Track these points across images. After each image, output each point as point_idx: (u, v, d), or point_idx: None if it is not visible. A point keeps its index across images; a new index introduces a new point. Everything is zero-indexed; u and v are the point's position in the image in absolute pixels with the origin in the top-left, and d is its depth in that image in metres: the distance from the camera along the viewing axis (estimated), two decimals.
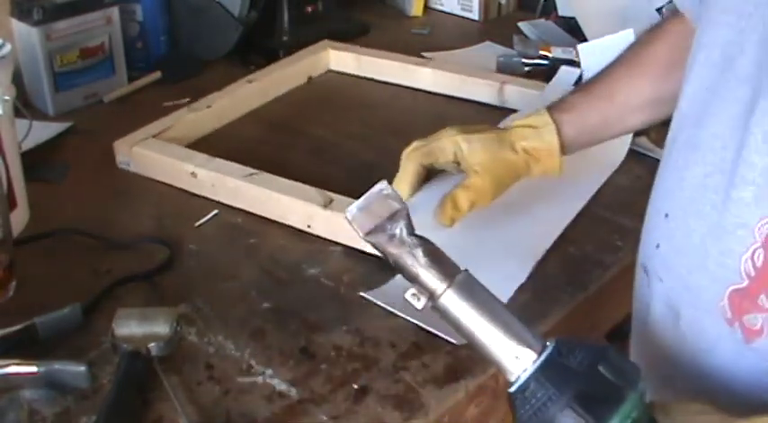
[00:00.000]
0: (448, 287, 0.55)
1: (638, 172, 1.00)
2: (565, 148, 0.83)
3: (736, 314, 0.60)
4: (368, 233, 0.57)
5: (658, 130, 1.04)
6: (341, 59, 1.31)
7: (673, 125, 0.70)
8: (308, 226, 0.89)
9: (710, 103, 0.63)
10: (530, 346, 0.53)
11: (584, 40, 1.27)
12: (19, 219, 0.88)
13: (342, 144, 1.10)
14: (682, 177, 0.65)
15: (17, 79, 1.00)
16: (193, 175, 0.95)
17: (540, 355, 0.53)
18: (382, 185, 0.58)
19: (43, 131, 1.06)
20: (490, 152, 0.81)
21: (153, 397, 0.68)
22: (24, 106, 0.98)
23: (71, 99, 1.19)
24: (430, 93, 1.24)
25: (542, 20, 1.53)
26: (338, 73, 1.31)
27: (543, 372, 0.51)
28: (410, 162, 0.83)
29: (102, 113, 1.19)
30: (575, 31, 1.39)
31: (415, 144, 0.84)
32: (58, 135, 1.09)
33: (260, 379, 0.70)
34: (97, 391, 0.68)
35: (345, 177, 0.99)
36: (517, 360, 0.53)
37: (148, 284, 0.82)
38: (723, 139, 0.61)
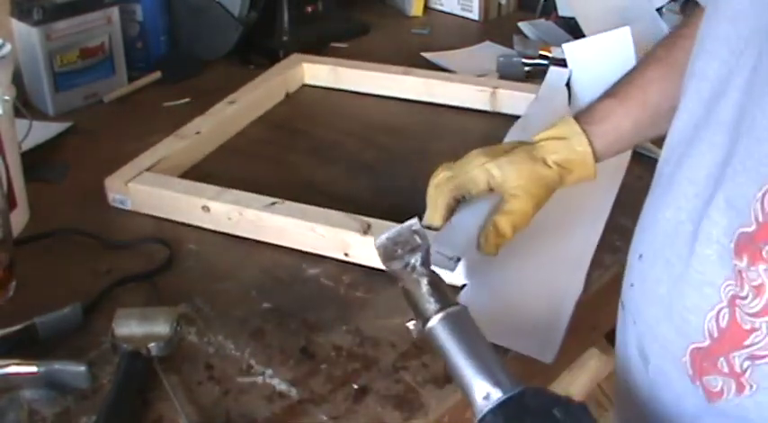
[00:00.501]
0: (438, 316, 0.60)
1: (638, 172, 1.00)
2: (597, 158, 0.80)
3: (696, 373, 0.57)
4: (388, 260, 0.64)
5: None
6: (316, 73, 1.26)
7: (662, 157, 0.66)
8: (346, 254, 0.84)
9: (693, 143, 0.59)
10: (501, 388, 0.56)
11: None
12: (19, 219, 0.88)
13: (339, 153, 1.11)
14: (656, 219, 0.62)
15: (17, 79, 1.00)
16: (205, 209, 0.88)
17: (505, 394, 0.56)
18: (413, 222, 0.66)
19: (43, 131, 1.06)
20: (525, 173, 0.78)
21: (153, 397, 0.68)
22: (24, 106, 0.98)
23: (71, 99, 1.19)
24: (417, 102, 1.22)
25: (542, 20, 1.53)
26: (314, 87, 1.26)
27: (501, 407, 0.55)
28: (442, 196, 0.79)
29: (102, 113, 1.19)
30: (575, 31, 1.39)
31: (443, 174, 0.80)
32: (58, 135, 1.09)
33: (260, 379, 0.70)
34: (97, 391, 0.68)
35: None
36: (485, 399, 0.56)
37: (148, 284, 0.82)
38: (697, 187, 0.57)
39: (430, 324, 0.60)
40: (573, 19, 1.42)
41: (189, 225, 0.91)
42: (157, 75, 1.28)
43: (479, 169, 0.78)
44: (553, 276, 0.82)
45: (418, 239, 0.65)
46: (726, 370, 0.54)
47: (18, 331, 0.71)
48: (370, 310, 0.78)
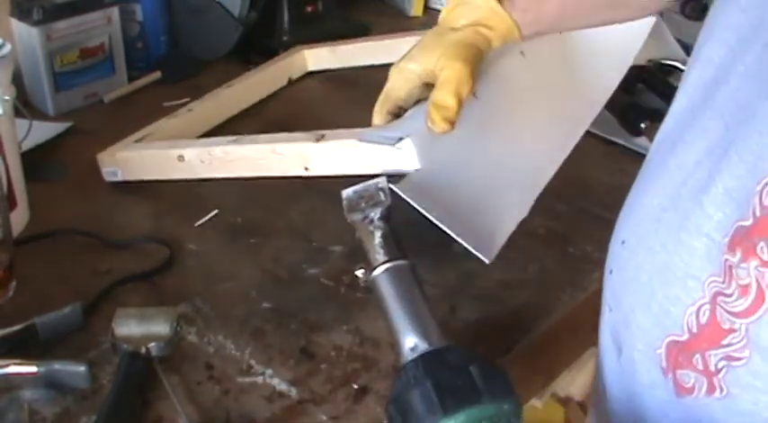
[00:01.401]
0: (383, 267, 0.64)
1: (632, 171, 1.00)
2: (519, 34, 0.77)
3: (670, 366, 0.56)
4: (351, 211, 0.68)
5: (657, 130, 1.04)
6: (317, 56, 1.29)
7: (654, 142, 0.66)
8: (306, 168, 0.85)
9: (688, 128, 0.58)
10: (428, 342, 0.59)
11: None
12: (19, 219, 0.88)
13: None
14: (641, 204, 0.61)
15: (17, 79, 1.00)
16: (181, 158, 0.93)
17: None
18: (380, 180, 0.69)
19: (43, 131, 1.06)
20: (438, 49, 0.75)
21: (153, 397, 0.68)
22: (24, 106, 0.98)
23: (71, 99, 1.19)
24: None
25: None
26: (318, 72, 1.29)
27: (423, 359, 0.57)
28: (377, 117, 0.79)
29: (102, 113, 1.19)
30: None
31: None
32: (57, 135, 1.09)
33: (260, 379, 0.70)
34: (97, 391, 0.68)
35: None
36: (411, 350, 0.58)
37: (148, 284, 0.82)
38: (684, 173, 0.56)
39: (375, 273, 0.64)
40: None
41: (172, 181, 0.94)
42: (157, 75, 1.28)
43: (395, 73, 0.78)
44: (516, 174, 0.82)
45: (382, 196, 0.68)
46: (700, 367, 0.53)
47: (18, 331, 0.71)
48: (370, 310, 0.78)
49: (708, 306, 0.52)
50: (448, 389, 0.54)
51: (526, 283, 0.83)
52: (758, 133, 0.50)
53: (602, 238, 0.90)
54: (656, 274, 0.57)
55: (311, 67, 1.30)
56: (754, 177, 0.50)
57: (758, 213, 0.49)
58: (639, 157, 1.03)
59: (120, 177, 0.98)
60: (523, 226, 0.93)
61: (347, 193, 0.69)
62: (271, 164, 0.88)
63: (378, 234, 0.66)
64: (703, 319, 0.53)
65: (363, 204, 0.68)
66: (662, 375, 0.57)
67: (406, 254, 0.66)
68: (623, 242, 0.63)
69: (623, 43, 0.96)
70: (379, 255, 0.65)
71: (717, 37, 0.59)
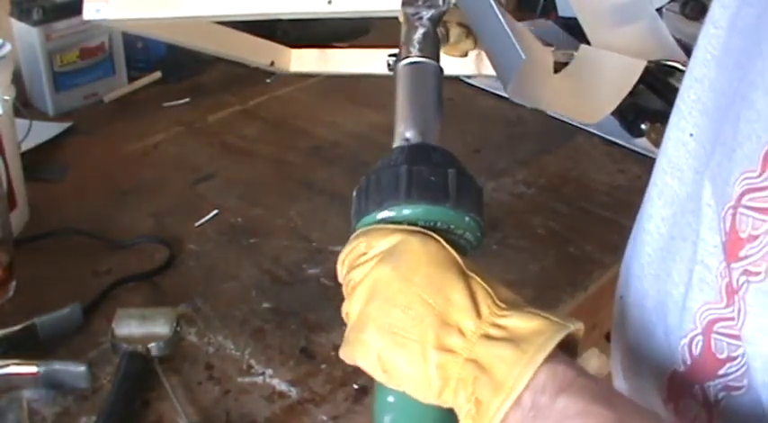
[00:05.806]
0: (410, 59, 0.63)
1: (637, 172, 1.00)
2: None
3: (671, 396, 0.54)
4: (406, 4, 0.67)
5: (657, 131, 1.04)
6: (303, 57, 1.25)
7: (656, 162, 0.61)
8: (329, 2, 0.82)
9: (687, 152, 0.54)
10: (422, 138, 0.58)
11: (585, 40, 1.27)
12: (19, 219, 0.88)
13: (339, 153, 1.11)
14: (646, 230, 0.59)
15: (17, 79, 1.00)
16: None
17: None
18: None
19: (43, 131, 1.06)
20: None
21: (153, 397, 0.68)
22: (24, 106, 0.98)
23: (71, 99, 1.19)
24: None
25: (542, 20, 1.53)
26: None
27: (410, 148, 0.57)
28: None
29: (102, 113, 1.19)
30: (575, 31, 1.39)
31: None
32: (57, 135, 1.09)
33: (260, 379, 0.70)
34: (97, 391, 0.68)
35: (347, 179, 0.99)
36: (404, 140, 0.58)
37: (148, 284, 0.82)
38: (681, 202, 0.54)
39: (401, 62, 0.63)
40: (573, 19, 1.41)
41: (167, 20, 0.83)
42: (157, 75, 1.28)
43: None
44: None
45: (440, 2, 0.67)
46: (700, 399, 0.51)
47: (18, 331, 0.71)
48: None
49: (701, 337, 0.50)
50: (419, 180, 0.54)
51: (526, 283, 0.83)
52: (727, 158, 0.47)
53: (602, 238, 0.90)
54: (659, 303, 0.56)
55: (294, 68, 1.25)
56: (721, 203, 0.47)
57: (723, 238, 0.47)
58: (639, 158, 1.04)
59: (102, 15, 0.81)
60: (524, 226, 0.93)
61: None
62: None
63: (420, 30, 0.65)
64: (696, 351, 0.51)
65: (420, 2, 0.67)
66: (662, 404, 0.55)
67: (439, 59, 0.65)
68: (631, 268, 0.62)
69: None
70: (414, 49, 0.64)
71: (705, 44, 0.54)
